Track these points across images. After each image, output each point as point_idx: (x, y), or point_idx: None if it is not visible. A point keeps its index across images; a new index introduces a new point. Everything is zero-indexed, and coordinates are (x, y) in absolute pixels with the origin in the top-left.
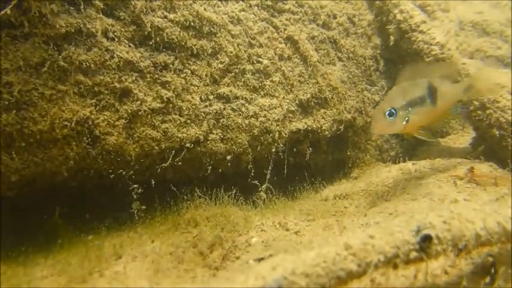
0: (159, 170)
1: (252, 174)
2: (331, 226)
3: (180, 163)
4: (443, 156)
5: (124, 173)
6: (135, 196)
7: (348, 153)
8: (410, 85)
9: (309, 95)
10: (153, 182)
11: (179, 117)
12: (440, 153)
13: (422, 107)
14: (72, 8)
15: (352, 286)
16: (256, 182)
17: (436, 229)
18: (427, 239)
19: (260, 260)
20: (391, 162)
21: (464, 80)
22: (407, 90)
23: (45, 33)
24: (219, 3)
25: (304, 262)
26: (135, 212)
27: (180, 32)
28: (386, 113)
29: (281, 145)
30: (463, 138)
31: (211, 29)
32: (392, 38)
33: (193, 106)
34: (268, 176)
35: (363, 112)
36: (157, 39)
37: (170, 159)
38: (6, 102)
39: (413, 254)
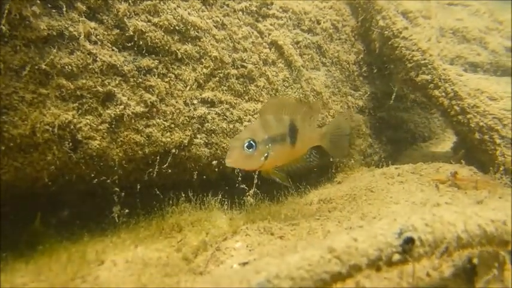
0: (142, 174)
1: (239, 178)
2: (316, 230)
3: (164, 168)
4: (426, 161)
5: (107, 177)
6: (116, 200)
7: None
8: (273, 119)
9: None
10: (137, 187)
11: (163, 122)
12: (422, 157)
13: (282, 145)
14: (54, 10)
15: None
16: (244, 186)
17: (419, 231)
18: (409, 242)
19: (245, 264)
20: (375, 166)
21: (322, 128)
22: (270, 125)
23: (26, 36)
24: (204, 7)
25: (288, 265)
26: (116, 216)
27: (164, 36)
28: (245, 144)
29: None
30: (444, 142)
31: (196, 33)
32: (375, 43)
33: (178, 110)
34: (255, 181)
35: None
36: (141, 43)
37: (155, 164)
38: None
39: (396, 257)
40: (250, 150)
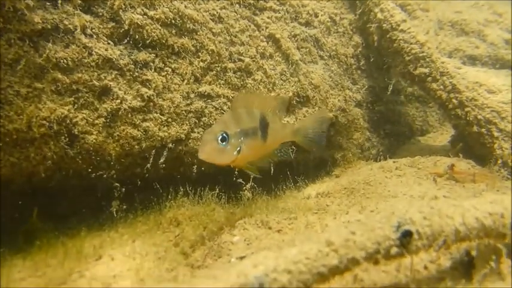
0: (140, 169)
1: (236, 172)
2: (314, 224)
3: (161, 162)
4: (424, 154)
5: (104, 172)
6: (116, 194)
7: (330, 151)
8: (245, 113)
9: (290, 94)
10: (135, 182)
11: (160, 116)
12: (420, 151)
13: (253, 139)
14: (48, 3)
15: (335, 282)
16: (241, 180)
17: (417, 225)
18: (407, 235)
19: (242, 258)
20: (373, 160)
21: (296, 124)
22: (242, 118)
23: (20, 30)
24: (200, 0)
25: (286, 259)
26: (114, 211)
27: (160, 29)
28: (219, 137)
29: None
30: (442, 136)
31: (193, 26)
32: (373, 36)
33: (175, 105)
34: (252, 175)
35: (345, 110)
36: (137, 36)
37: (152, 158)
38: None
39: (394, 250)
40: (224, 143)
